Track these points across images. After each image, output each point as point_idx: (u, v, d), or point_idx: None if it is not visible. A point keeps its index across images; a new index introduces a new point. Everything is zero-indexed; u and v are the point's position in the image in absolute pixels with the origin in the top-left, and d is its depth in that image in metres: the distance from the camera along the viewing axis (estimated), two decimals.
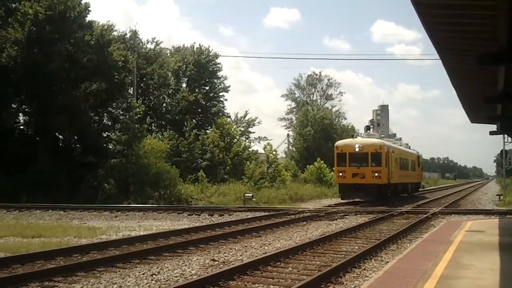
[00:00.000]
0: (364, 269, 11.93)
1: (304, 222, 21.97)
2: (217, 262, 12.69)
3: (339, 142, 38.17)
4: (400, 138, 62.73)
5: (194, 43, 63.33)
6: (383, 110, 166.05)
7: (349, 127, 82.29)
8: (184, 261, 12.79)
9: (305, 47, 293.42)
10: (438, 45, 12.36)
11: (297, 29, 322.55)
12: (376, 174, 34.39)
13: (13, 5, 40.64)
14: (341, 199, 36.93)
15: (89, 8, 41.27)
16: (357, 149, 35.43)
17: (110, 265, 12.11)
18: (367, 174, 34.72)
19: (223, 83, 61.45)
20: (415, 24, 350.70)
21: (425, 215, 24.34)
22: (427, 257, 12.16)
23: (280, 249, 14.28)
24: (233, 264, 12.21)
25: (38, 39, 37.57)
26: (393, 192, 38.72)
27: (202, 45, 61.48)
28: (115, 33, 49.58)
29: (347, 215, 25.12)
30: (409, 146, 53.65)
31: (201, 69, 58.99)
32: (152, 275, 11.07)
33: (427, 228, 20.38)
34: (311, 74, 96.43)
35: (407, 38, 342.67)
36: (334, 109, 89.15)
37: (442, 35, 11.64)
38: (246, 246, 15.18)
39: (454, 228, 18.64)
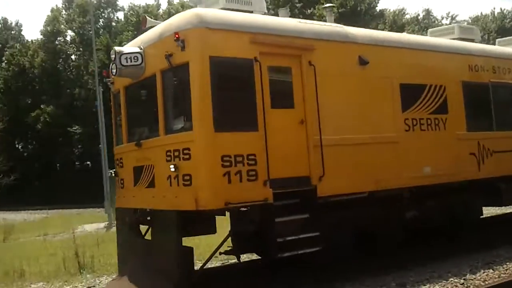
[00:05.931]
0: None
1: None
2: None
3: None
4: None
5: (494, 8, 55.40)
6: None
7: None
8: None
9: None
10: None
11: None
12: (174, 171, 8.23)
13: (309, 10, 41.43)
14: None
15: None
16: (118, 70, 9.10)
17: None
18: (158, 170, 8.77)
19: None
20: None
21: None
22: None
23: None
24: None
25: None
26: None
27: (504, 9, 57.05)
28: (407, 16, 50.03)
29: None
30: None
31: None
32: None
33: None
34: None
35: None
36: None
37: None
38: None
39: None
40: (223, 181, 7.98)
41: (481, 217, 12.55)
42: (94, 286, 10.65)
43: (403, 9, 47.65)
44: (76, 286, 10.71)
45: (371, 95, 9.95)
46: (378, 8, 43.67)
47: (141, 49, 9.12)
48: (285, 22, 9.52)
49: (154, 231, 9.23)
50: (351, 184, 9.39)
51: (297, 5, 44.13)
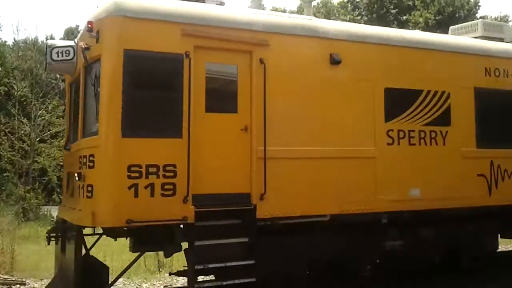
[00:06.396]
0: None
1: None
2: None
3: None
4: None
5: None
6: None
7: None
8: None
9: None
10: None
11: None
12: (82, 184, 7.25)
13: (404, 17, 41.28)
14: None
15: (479, 4, 41.26)
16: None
17: None
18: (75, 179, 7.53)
19: None
20: None
21: None
22: None
23: None
24: None
25: None
26: None
27: None
28: (510, 23, 47.45)
29: None
30: None
31: None
32: None
33: None
34: None
35: None
36: None
37: None
38: None
39: None
40: (128, 195, 6.79)
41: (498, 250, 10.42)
42: (170, 285, 10.54)
43: (506, 15, 43.35)
44: (154, 284, 10.73)
45: (343, 100, 8.35)
46: (478, 15, 40.85)
47: (75, 42, 8.18)
48: (231, 12, 8.08)
49: (67, 246, 8.19)
50: (305, 206, 7.89)
51: (392, 11, 42.27)
